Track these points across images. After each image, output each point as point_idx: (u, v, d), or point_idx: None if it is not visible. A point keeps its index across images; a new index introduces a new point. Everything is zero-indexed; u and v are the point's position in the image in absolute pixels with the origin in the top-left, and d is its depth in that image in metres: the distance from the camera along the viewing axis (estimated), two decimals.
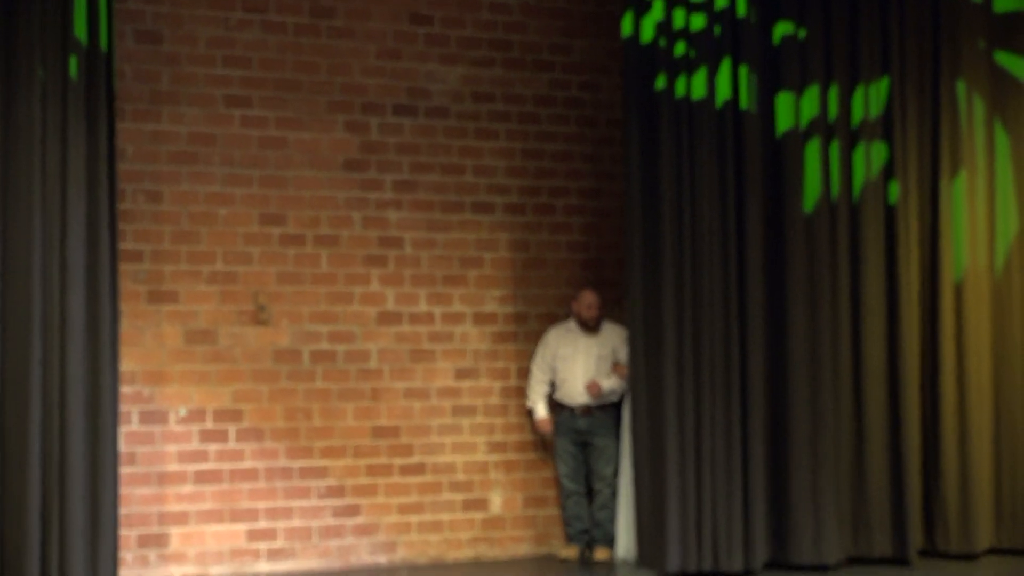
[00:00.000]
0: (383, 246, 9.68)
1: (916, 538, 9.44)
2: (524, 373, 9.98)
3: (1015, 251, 10.01)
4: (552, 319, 9.99)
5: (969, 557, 9.60)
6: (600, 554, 9.82)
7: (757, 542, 8.99)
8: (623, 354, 9.80)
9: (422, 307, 9.76)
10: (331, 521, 9.43)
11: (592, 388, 9.74)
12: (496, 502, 9.91)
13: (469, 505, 9.81)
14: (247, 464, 9.25)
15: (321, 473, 9.42)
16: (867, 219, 9.52)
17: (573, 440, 9.86)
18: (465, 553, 9.78)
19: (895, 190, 9.57)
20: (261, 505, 9.27)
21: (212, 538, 9.15)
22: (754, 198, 9.19)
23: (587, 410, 9.81)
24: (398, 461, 9.64)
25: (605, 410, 9.83)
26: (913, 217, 9.69)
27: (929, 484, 9.68)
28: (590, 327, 9.84)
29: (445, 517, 9.76)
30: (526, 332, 10.04)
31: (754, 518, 8.99)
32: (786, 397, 9.19)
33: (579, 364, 9.81)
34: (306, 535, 9.36)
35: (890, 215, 9.58)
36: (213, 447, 9.18)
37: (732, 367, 9.01)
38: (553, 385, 9.92)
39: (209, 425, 9.18)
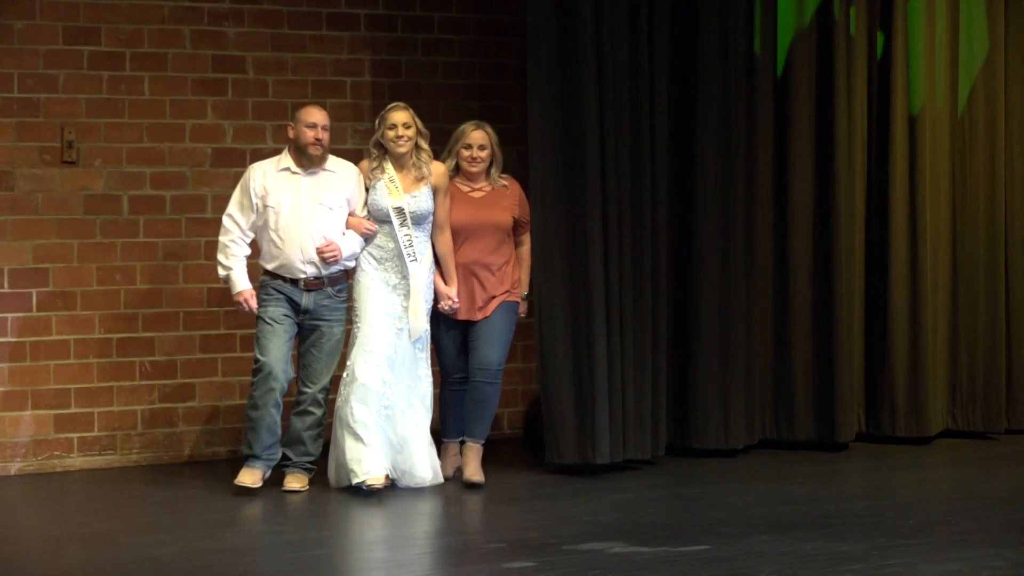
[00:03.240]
0: (220, 68, 8.96)
1: (850, 420, 9.06)
2: None
3: (980, 81, 9.43)
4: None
5: (921, 441, 9.20)
6: (294, 482, 7.81)
7: (660, 428, 8.57)
8: (360, 202, 7.98)
9: (268, 143, 8.96)
10: (159, 405, 8.86)
11: (329, 252, 7.75)
12: None
13: None
14: (54, 336, 8.66)
15: (147, 347, 8.81)
16: (798, 56, 8.91)
17: (290, 312, 7.86)
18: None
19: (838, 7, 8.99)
20: (73, 386, 8.70)
21: (11, 426, 8.55)
22: (662, 34, 8.52)
23: (316, 283, 7.86)
24: (240, 332, 8.87)
25: (339, 284, 7.94)
26: (860, 44, 9.04)
27: (873, 359, 9.24)
28: (314, 159, 7.91)
29: None
30: None
31: (659, 403, 8.55)
32: (693, 263, 8.69)
33: (302, 218, 7.86)
34: (129, 422, 8.75)
35: (826, 40, 8.93)
36: (12, 316, 8.56)
37: (643, 226, 8.38)
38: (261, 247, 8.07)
39: (6, 289, 8.54)
